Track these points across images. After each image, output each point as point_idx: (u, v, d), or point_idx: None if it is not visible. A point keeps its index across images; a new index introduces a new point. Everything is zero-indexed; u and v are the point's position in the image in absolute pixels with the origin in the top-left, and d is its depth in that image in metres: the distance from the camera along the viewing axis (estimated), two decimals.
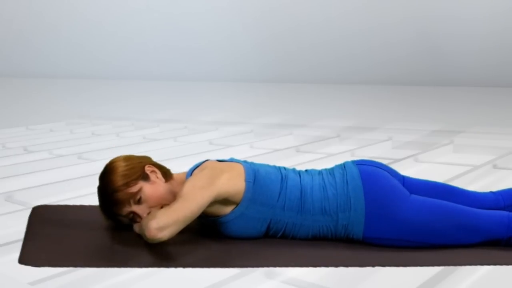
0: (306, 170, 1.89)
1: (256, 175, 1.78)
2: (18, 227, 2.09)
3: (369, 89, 8.45)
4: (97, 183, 2.79)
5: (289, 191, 1.78)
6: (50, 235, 1.88)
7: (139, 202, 1.77)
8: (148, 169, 1.83)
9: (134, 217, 1.80)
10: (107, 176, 1.80)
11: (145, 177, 1.80)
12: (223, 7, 11.67)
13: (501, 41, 8.68)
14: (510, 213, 1.74)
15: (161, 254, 1.71)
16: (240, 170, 1.79)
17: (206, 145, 3.80)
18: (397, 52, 9.60)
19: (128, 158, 1.85)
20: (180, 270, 1.64)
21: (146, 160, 1.86)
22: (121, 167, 1.80)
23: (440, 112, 5.29)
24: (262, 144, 3.81)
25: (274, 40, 10.93)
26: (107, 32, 13.44)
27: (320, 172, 1.85)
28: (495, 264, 1.61)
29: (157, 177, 1.83)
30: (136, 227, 1.82)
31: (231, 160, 1.87)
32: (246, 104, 6.55)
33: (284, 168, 1.88)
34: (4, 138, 4.30)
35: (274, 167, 1.87)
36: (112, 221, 1.85)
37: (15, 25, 14.92)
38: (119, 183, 1.77)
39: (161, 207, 1.79)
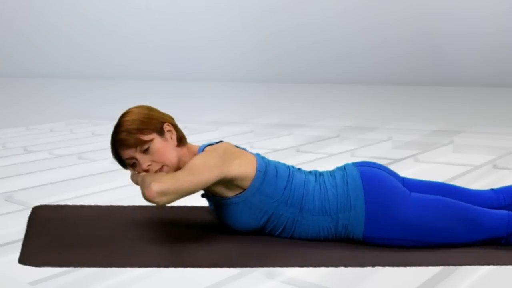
0: (309, 171, 1.90)
1: (267, 166, 1.81)
2: (18, 227, 2.09)
3: (369, 89, 8.45)
4: (97, 183, 2.79)
5: (293, 188, 1.80)
6: (50, 235, 1.88)
7: (145, 152, 1.78)
8: (166, 126, 1.84)
9: (135, 165, 1.80)
10: (125, 116, 1.81)
11: (161, 132, 1.81)
12: (223, 7, 11.67)
13: (501, 41, 8.68)
14: (510, 212, 1.74)
15: (161, 254, 1.71)
16: (252, 159, 1.81)
17: None
18: (397, 52, 9.60)
19: (152, 109, 1.86)
20: (180, 270, 1.64)
21: (168, 118, 1.87)
22: (141, 114, 1.81)
23: (440, 112, 5.29)
24: (262, 144, 3.81)
25: (274, 40, 10.93)
26: (107, 32, 13.44)
27: (321, 174, 1.87)
28: (495, 264, 1.61)
29: (171, 138, 1.84)
30: (133, 178, 1.82)
31: (245, 150, 1.89)
32: (246, 104, 6.55)
33: (292, 166, 1.90)
34: (4, 138, 4.30)
35: (283, 164, 1.89)
36: (116, 160, 1.85)
37: (15, 25, 14.93)
38: (133, 126, 1.78)
39: (162, 167, 1.79)
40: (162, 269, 1.65)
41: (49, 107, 6.63)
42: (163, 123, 1.83)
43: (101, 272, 1.60)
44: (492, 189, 1.95)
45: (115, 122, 5.04)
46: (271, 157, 3.27)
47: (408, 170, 2.99)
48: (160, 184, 1.60)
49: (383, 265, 1.60)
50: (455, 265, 1.60)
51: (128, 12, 13.13)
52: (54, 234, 1.89)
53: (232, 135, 4.08)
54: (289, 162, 3.28)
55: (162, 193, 1.60)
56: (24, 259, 1.66)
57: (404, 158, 3.03)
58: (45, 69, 14.10)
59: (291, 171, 1.85)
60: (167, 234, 1.90)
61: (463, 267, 1.57)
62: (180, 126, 4.69)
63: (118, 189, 2.54)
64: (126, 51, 13.00)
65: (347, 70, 9.97)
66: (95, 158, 3.47)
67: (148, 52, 12.64)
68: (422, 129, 4.15)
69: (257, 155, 1.86)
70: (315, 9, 10.49)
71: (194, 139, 4.11)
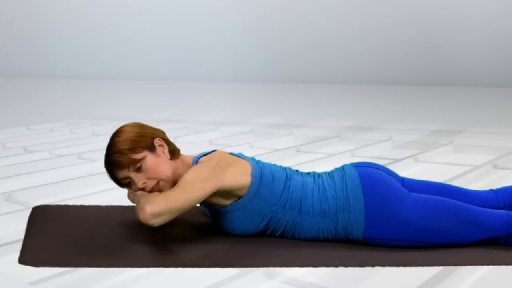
0: (308, 173, 1.90)
1: (262, 172, 1.80)
2: (18, 227, 2.09)
3: (369, 89, 8.45)
4: (97, 183, 2.79)
5: (291, 191, 1.79)
6: (50, 235, 1.89)
7: (138, 170, 1.79)
8: (157, 141, 1.84)
9: (130, 184, 1.82)
10: (116, 137, 1.82)
11: (152, 148, 1.82)
12: (223, 7, 11.66)
13: (501, 41, 8.68)
14: (510, 212, 1.75)
15: (161, 254, 1.71)
16: (247, 166, 1.80)
17: (206, 145, 3.80)
18: (397, 52, 9.60)
19: (142, 126, 1.87)
20: (180, 270, 1.64)
21: (158, 133, 1.88)
22: (131, 132, 1.82)
23: (440, 112, 5.29)
24: (262, 144, 3.81)
25: (274, 40, 10.92)
26: (107, 32, 13.43)
27: (320, 175, 1.87)
28: (495, 264, 1.61)
29: (163, 152, 1.84)
30: (130, 196, 1.83)
31: (240, 155, 1.88)
32: (246, 104, 6.55)
33: (290, 168, 1.89)
34: (4, 138, 4.30)
35: (280, 166, 1.89)
36: (112, 180, 1.87)
37: (15, 25, 14.92)
38: (125, 146, 1.78)
39: (158, 182, 1.80)
40: (162, 269, 1.65)
41: (49, 107, 6.63)
42: (154, 138, 1.84)
43: (101, 272, 1.60)
44: (492, 190, 1.95)
45: (115, 122, 5.04)
46: (271, 157, 3.27)
47: (408, 170, 2.99)
48: (154, 205, 1.60)
49: (383, 265, 1.60)
50: (455, 265, 1.60)
51: (128, 12, 13.13)
52: (54, 234, 1.89)
53: (232, 135, 4.08)
54: (289, 162, 3.28)
55: (156, 215, 1.60)
56: (24, 259, 1.66)
57: (404, 158, 3.03)
58: (45, 69, 14.10)
59: (288, 174, 1.84)
60: (167, 234, 1.90)
61: (463, 267, 1.57)
62: (180, 126, 4.69)
63: (118, 189, 2.54)
64: (126, 51, 13.00)
65: (347, 70, 9.97)
66: (95, 158, 3.47)
67: (148, 52, 12.64)
68: (422, 129, 4.15)
69: (252, 160, 1.85)
70: (315, 9, 10.49)
71: (194, 139, 4.11)
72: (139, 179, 1.79)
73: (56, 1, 14.26)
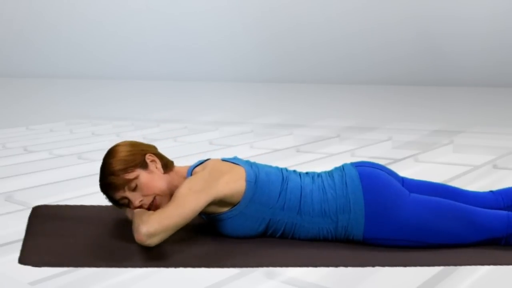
0: (306, 173, 1.89)
1: (257, 175, 1.79)
2: (18, 227, 2.09)
3: (369, 89, 8.45)
4: (97, 183, 2.79)
5: (289, 192, 1.78)
6: (50, 235, 1.89)
7: (134, 189, 1.79)
8: (149, 158, 1.84)
9: (128, 203, 1.82)
10: (108, 158, 1.82)
11: (144, 166, 1.82)
12: (223, 7, 11.66)
13: (501, 41, 8.68)
14: (510, 212, 1.74)
15: (161, 254, 1.71)
16: (241, 171, 1.79)
17: (206, 145, 3.80)
18: (397, 52, 9.59)
19: (133, 144, 1.86)
20: (180, 270, 1.64)
21: (150, 149, 1.88)
22: (123, 152, 1.82)
23: (440, 112, 5.29)
24: (262, 144, 3.81)
25: (274, 40, 10.92)
26: (107, 32, 13.43)
27: (319, 175, 1.86)
28: (495, 264, 1.61)
29: (156, 167, 1.84)
30: (128, 213, 1.84)
31: (235, 159, 1.87)
32: (246, 104, 6.55)
33: (286, 169, 1.89)
34: (4, 138, 4.30)
35: (276, 168, 1.88)
36: (109, 201, 1.87)
37: (15, 25, 14.92)
38: (117, 167, 1.78)
39: (154, 198, 1.80)
40: (162, 269, 1.65)
41: (49, 107, 6.63)
42: (145, 155, 1.83)
43: (101, 272, 1.60)
44: (491, 191, 1.95)
45: (115, 122, 5.04)
46: (271, 157, 3.27)
47: (408, 170, 2.99)
48: (148, 226, 1.59)
49: (383, 265, 1.60)
50: (455, 265, 1.60)
51: (128, 12, 13.13)
52: (54, 234, 1.89)
53: (232, 135, 4.08)
54: (289, 162, 3.28)
55: (151, 235, 1.58)
56: (24, 259, 1.66)
57: (404, 158, 3.03)
58: (45, 69, 14.10)
59: (285, 176, 1.83)
60: None
61: (463, 267, 1.57)
62: (180, 126, 4.69)
63: None
64: (126, 51, 13.00)
65: (347, 70, 9.97)
66: (95, 158, 3.47)
67: (148, 52, 12.64)
68: (422, 129, 4.15)
69: (247, 164, 1.83)
70: (315, 9, 10.49)
71: (194, 139, 4.11)
72: (136, 198, 1.79)
73: (56, 1, 14.26)
